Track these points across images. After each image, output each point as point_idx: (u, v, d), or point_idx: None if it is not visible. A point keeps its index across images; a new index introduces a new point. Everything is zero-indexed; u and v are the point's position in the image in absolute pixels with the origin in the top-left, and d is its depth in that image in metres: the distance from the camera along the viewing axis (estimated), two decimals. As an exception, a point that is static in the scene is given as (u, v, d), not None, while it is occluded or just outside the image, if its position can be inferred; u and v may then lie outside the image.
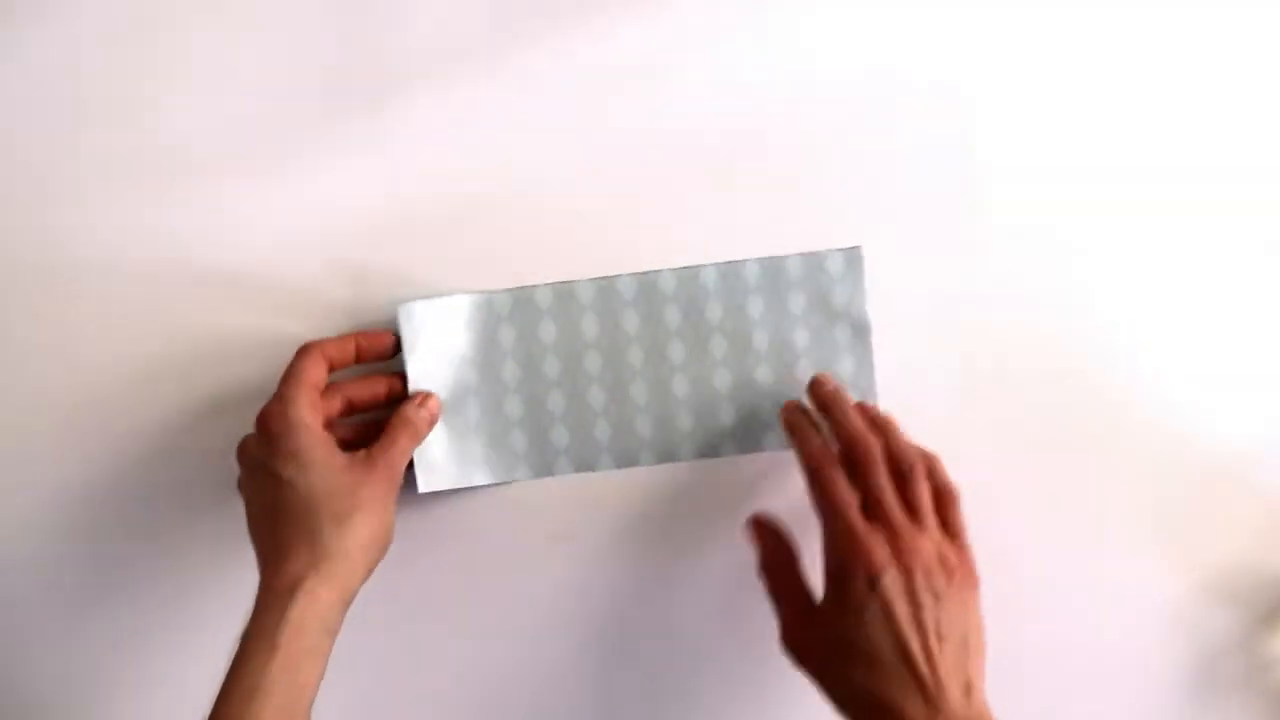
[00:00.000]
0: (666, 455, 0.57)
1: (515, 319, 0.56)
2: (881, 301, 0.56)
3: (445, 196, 0.57)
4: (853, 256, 0.55)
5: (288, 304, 0.57)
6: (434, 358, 0.55)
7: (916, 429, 0.52)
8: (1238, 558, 0.57)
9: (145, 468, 0.57)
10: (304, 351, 0.52)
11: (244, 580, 0.50)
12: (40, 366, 0.57)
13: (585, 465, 0.56)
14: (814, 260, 0.56)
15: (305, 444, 0.50)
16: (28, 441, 0.57)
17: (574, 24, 0.56)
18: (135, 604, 0.57)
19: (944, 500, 0.50)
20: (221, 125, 0.56)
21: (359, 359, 0.54)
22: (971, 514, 0.51)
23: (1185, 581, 0.57)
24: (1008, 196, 0.57)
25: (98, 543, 0.57)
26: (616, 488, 0.57)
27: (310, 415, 0.51)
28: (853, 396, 0.55)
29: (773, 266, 0.56)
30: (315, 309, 0.57)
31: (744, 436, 0.56)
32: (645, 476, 0.57)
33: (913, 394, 0.56)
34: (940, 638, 0.46)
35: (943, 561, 0.48)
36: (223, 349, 0.57)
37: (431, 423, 0.55)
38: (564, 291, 0.56)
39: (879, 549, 0.47)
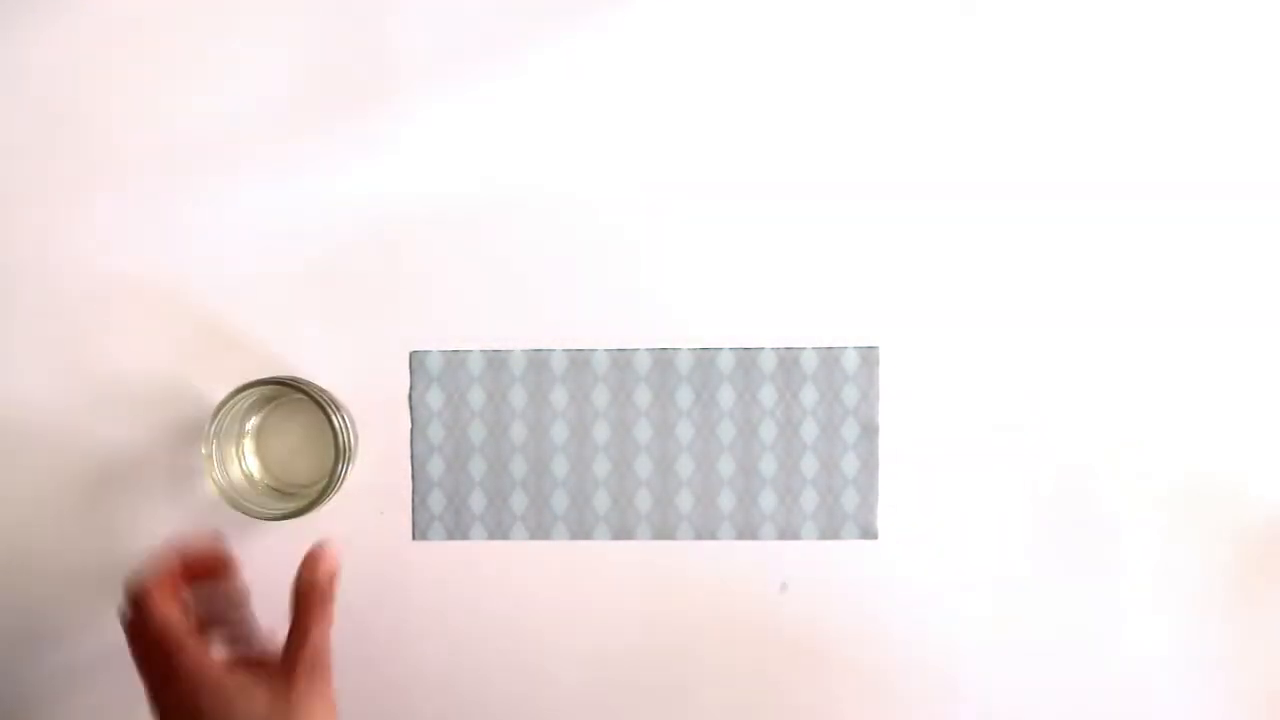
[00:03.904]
0: (664, 533, 0.56)
1: (528, 381, 0.56)
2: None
3: (447, 198, 0.57)
4: (869, 356, 0.56)
5: (286, 303, 0.57)
6: (441, 409, 0.56)
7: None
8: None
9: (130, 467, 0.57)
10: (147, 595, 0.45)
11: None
12: (38, 366, 0.57)
13: (582, 533, 0.56)
14: (830, 355, 0.56)
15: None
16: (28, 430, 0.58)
17: (587, 31, 0.57)
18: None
19: None
20: (221, 125, 0.57)
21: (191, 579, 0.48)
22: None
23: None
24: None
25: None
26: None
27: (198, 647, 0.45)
28: (854, 496, 0.55)
29: (789, 358, 0.56)
30: (315, 310, 0.57)
31: (743, 524, 0.56)
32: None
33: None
34: None
35: None
36: (217, 351, 0.56)
37: (335, 582, 0.47)
38: (580, 359, 0.56)
39: None
